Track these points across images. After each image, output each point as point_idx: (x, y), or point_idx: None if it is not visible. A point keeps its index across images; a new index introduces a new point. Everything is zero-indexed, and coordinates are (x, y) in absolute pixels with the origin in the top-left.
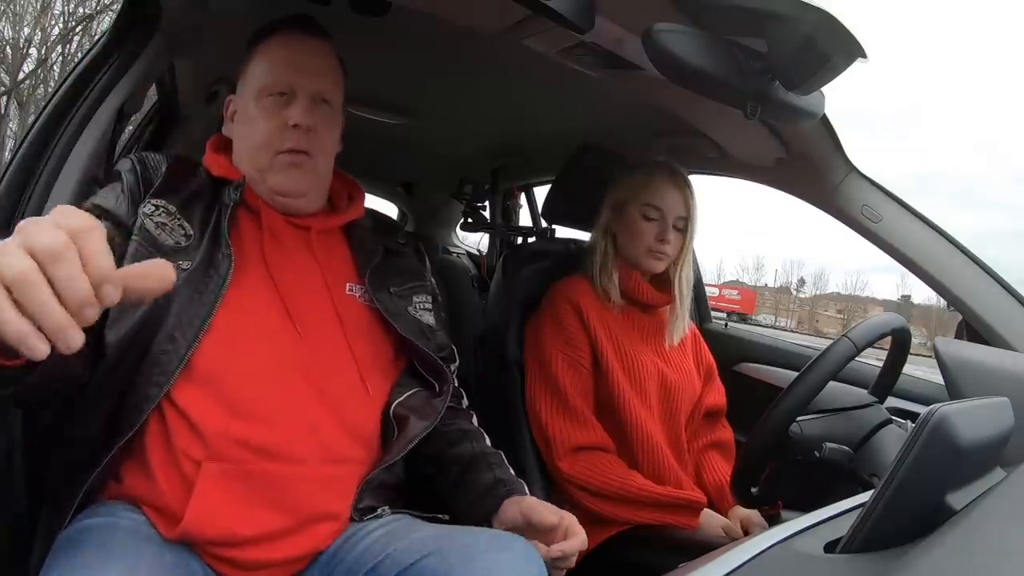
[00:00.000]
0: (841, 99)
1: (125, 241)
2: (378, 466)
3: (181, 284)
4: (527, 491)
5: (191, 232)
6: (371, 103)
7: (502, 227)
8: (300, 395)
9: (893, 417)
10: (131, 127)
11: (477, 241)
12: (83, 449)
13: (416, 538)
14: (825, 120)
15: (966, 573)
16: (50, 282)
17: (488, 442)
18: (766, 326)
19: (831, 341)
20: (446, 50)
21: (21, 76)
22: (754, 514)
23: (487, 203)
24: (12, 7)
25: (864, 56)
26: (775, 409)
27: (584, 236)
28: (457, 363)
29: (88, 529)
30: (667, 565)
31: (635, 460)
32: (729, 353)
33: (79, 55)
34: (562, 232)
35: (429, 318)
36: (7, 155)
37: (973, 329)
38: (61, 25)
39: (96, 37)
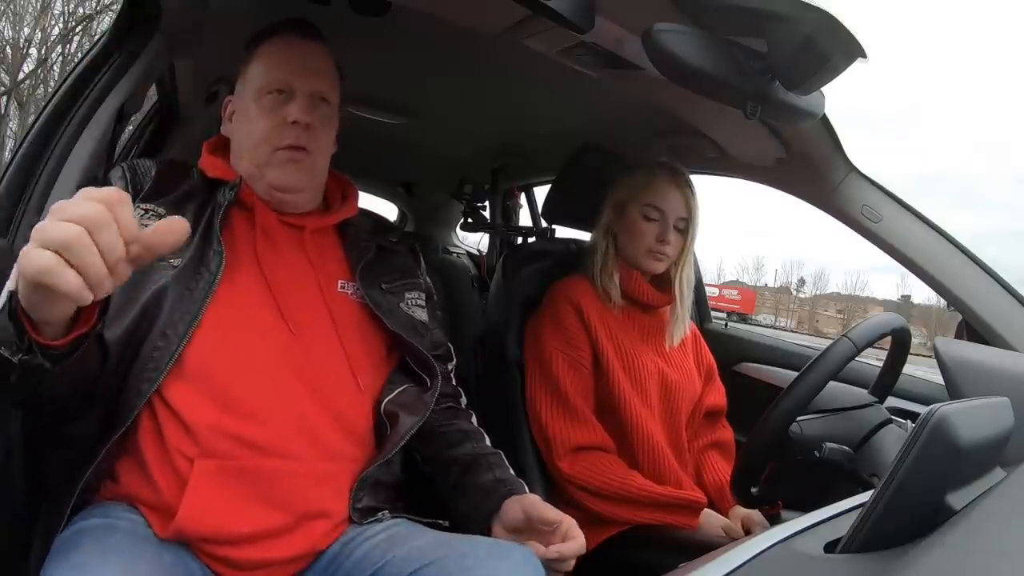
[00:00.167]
0: (841, 99)
1: None
2: (372, 463)
3: (172, 282)
4: (527, 491)
5: None
6: (371, 103)
7: (502, 227)
8: (292, 391)
9: (893, 417)
10: (131, 127)
11: (477, 241)
12: (80, 447)
13: (415, 546)
14: (825, 120)
15: (966, 573)
16: (95, 244)
17: (488, 442)
18: (766, 326)
19: (831, 341)
20: (446, 50)
21: (21, 76)
22: (755, 513)
23: (487, 203)
24: (12, 7)
25: (864, 56)
26: (775, 409)
27: (584, 236)
28: (454, 362)
29: (86, 530)
30: (667, 565)
31: (635, 460)
32: (729, 353)
33: (79, 55)
34: (562, 232)
35: (422, 314)
36: (7, 155)
37: (973, 329)
38: (61, 25)
39: (96, 37)
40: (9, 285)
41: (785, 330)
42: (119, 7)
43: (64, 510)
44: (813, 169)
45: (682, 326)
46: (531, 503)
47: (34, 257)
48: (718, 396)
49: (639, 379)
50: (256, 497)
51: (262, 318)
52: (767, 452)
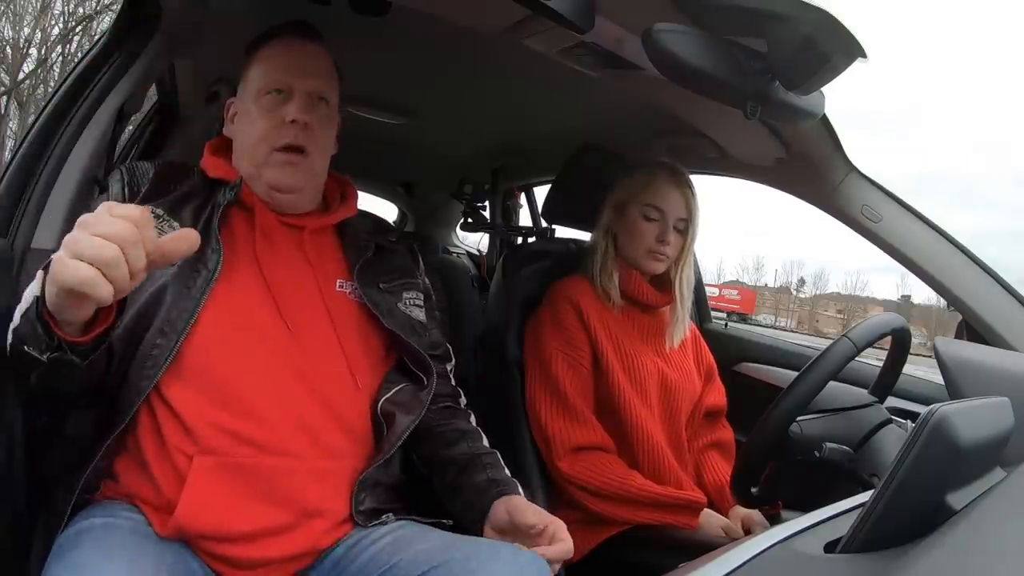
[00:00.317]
0: (841, 99)
1: None
2: (371, 463)
3: (171, 280)
4: (520, 490)
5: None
6: (371, 103)
7: (502, 227)
8: (291, 390)
9: (893, 417)
10: (131, 127)
11: (477, 241)
12: (79, 446)
13: (422, 549)
14: (825, 120)
15: (966, 573)
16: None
17: (485, 442)
18: (766, 326)
19: (831, 341)
20: (446, 50)
21: (21, 76)
22: (755, 513)
23: (487, 203)
24: (12, 7)
25: (864, 56)
26: (775, 409)
27: (584, 236)
28: (453, 362)
29: (87, 529)
30: (667, 565)
31: (635, 460)
32: (729, 353)
33: (79, 55)
34: (562, 232)
35: (420, 314)
36: (7, 155)
37: (973, 329)
38: (61, 25)
39: (96, 37)
40: (35, 290)
41: (785, 330)
42: (119, 7)
43: (64, 509)
44: (813, 169)
45: (682, 327)
46: (514, 505)
47: (76, 269)
48: (718, 396)
49: (639, 379)
50: (255, 494)
51: (261, 317)
52: (767, 452)
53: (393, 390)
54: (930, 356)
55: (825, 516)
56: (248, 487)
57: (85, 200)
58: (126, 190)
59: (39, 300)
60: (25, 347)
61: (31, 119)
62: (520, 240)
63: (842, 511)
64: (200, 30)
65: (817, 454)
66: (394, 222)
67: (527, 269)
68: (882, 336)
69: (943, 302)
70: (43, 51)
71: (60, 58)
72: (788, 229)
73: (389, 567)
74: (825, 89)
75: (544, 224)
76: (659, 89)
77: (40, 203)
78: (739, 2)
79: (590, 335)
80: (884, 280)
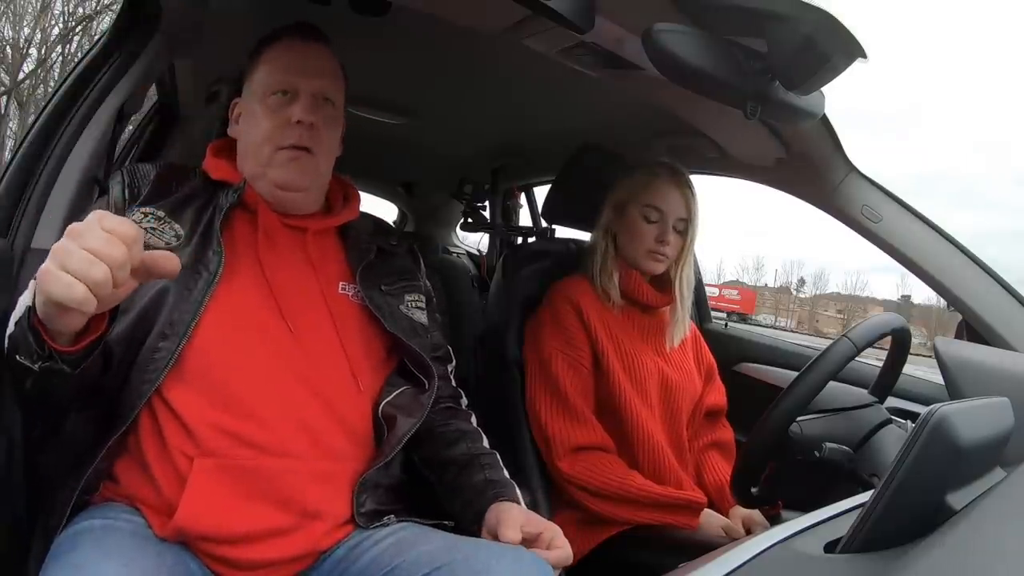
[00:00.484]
0: (841, 99)
1: None
2: (372, 466)
3: (172, 283)
4: (517, 492)
5: (182, 233)
6: (371, 103)
7: (502, 227)
8: (292, 392)
9: (893, 417)
10: (131, 127)
11: (477, 241)
12: (79, 448)
13: (424, 551)
14: (825, 120)
15: (966, 573)
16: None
17: (485, 443)
18: (766, 326)
19: (831, 341)
20: (446, 50)
21: (21, 76)
22: (756, 513)
23: (487, 203)
24: (12, 7)
25: (864, 56)
26: (775, 409)
27: (584, 236)
28: (454, 363)
29: (86, 530)
30: (667, 565)
31: (636, 460)
32: (729, 353)
33: (79, 55)
34: (562, 232)
35: (422, 316)
36: (7, 155)
37: (973, 329)
38: (61, 25)
39: (96, 37)
40: (26, 300)
41: (785, 330)
42: (119, 7)
43: (64, 510)
44: (813, 169)
45: (682, 327)
46: (503, 516)
47: (63, 282)
48: (718, 396)
49: (639, 379)
50: (256, 496)
51: (263, 319)
52: (767, 452)
53: (394, 393)
54: (930, 356)
55: (825, 516)
56: (249, 488)
57: (85, 200)
58: (127, 192)
59: (30, 309)
60: (17, 356)
61: (31, 119)
62: (520, 240)
63: (842, 511)
64: (200, 30)
65: (817, 454)
66: (394, 222)
67: (527, 269)
68: (882, 336)
69: (943, 302)
70: (43, 51)
71: (60, 58)
72: (788, 229)
73: (391, 568)
74: (825, 89)
75: (544, 224)
76: (659, 89)
77: (40, 203)
78: (739, 2)
79: (590, 335)
80: (884, 280)
